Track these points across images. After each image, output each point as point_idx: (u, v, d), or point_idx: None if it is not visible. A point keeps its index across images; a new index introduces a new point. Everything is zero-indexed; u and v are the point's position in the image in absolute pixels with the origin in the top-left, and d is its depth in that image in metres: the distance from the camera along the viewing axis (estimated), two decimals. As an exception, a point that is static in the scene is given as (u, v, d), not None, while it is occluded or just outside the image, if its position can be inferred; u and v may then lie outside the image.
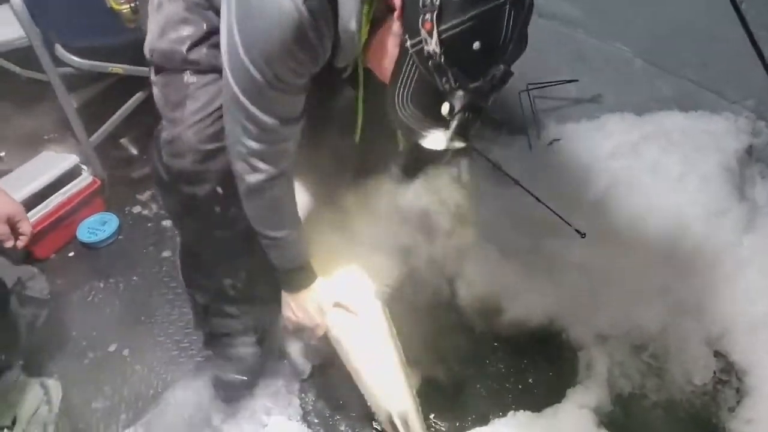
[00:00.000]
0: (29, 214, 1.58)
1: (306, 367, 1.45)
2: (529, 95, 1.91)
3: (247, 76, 0.85)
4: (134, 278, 1.65)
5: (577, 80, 1.86)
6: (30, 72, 1.64)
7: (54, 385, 1.34)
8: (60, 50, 1.55)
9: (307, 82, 0.91)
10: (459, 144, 0.83)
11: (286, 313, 1.20)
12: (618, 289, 1.54)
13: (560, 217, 1.51)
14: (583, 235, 1.47)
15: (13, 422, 1.21)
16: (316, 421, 1.39)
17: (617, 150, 1.77)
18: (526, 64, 0.86)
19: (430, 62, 0.75)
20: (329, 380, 1.43)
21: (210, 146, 1.02)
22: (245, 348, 1.37)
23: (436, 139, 0.85)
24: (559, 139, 1.89)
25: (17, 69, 1.64)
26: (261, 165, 0.97)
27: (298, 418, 1.37)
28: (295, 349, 1.45)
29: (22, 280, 1.43)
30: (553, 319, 1.53)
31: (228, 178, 1.02)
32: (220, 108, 0.98)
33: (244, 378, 1.37)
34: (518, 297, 1.55)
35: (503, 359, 1.50)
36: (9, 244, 1.09)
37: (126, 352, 1.49)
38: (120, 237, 1.76)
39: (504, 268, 1.61)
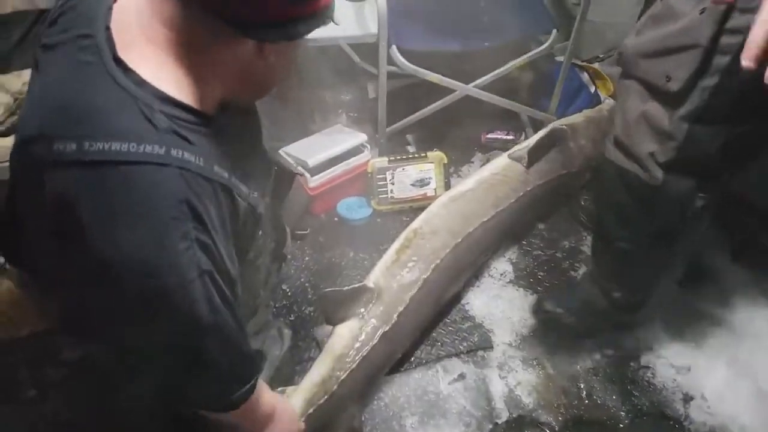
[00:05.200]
0: (319, 176, 1.82)
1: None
2: None
3: None
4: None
5: None
6: (365, 64, 1.85)
7: (287, 334, 1.49)
8: (395, 51, 1.73)
9: None
10: None
11: None
12: None
13: None
14: None
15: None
16: None
17: None
18: None
19: None
20: None
21: None
22: None
23: None
24: None
25: (357, 59, 1.86)
26: None
27: None
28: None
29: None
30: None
31: None
32: None
33: None
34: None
35: None
36: None
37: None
38: (371, 220, 1.89)
39: (758, 405, 1.40)
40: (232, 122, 0.84)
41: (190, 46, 0.71)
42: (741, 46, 0.84)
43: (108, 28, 0.70)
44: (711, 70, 0.95)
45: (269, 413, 1.03)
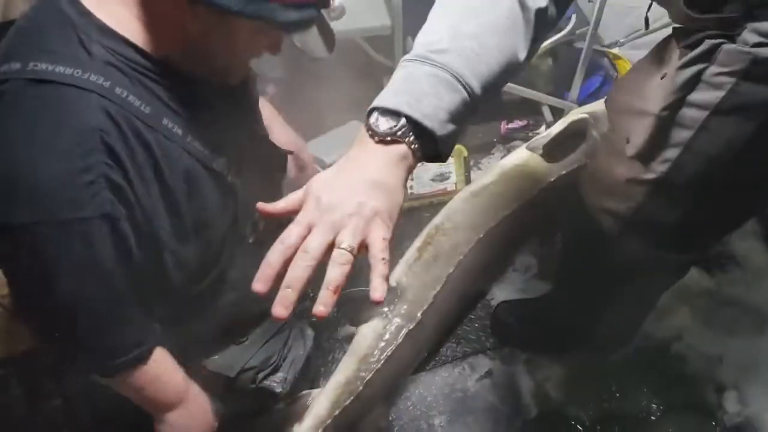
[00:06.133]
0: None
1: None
2: None
3: None
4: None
5: None
6: (380, 57, 1.82)
7: (310, 334, 1.46)
8: (410, 43, 1.69)
9: None
10: None
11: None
12: None
13: None
14: None
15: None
16: None
17: None
18: None
19: None
20: None
21: None
22: None
23: None
24: None
25: (372, 52, 1.83)
26: None
27: None
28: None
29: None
30: None
31: None
32: None
33: None
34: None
35: None
36: None
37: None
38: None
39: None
40: (208, 92, 0.81)
41: None
42: (703, 123, 0.80)
43: None
44: (671, 143, 0.85)
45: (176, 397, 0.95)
